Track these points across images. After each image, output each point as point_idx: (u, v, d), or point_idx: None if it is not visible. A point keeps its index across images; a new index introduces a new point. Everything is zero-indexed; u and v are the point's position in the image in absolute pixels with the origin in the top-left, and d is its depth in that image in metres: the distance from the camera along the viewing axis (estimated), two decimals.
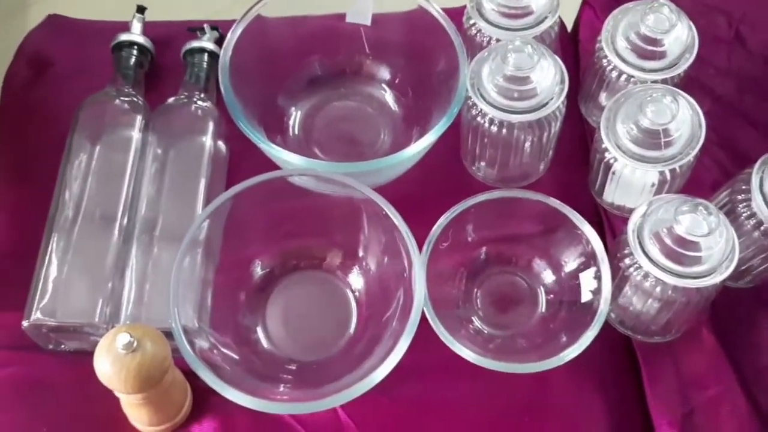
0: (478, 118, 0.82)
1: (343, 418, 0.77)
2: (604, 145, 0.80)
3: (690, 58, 0.83)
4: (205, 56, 0.92)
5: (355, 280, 0.84)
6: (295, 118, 0.92)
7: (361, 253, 0.83)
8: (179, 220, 0.81)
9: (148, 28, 0.94)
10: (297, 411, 0.75)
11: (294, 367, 0.80)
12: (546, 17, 0.85)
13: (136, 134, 0.87)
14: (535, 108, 0.80)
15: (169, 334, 0.71)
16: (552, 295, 0.83)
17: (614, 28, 0.84)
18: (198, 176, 0.85)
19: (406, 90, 0.92)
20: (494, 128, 0.81)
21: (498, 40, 0.85)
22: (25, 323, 0.77)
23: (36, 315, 0.76)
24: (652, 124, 0.77)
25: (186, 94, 0.90)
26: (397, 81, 0.93)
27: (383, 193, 0.78)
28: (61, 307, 0.77)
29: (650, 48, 0.82)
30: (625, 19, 0.84)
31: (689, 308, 0.76)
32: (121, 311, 0.78)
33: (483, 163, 0.87)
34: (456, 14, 0.88)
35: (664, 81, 0.83)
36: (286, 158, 0.80)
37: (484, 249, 0.84)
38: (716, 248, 0.72)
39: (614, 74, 0.85)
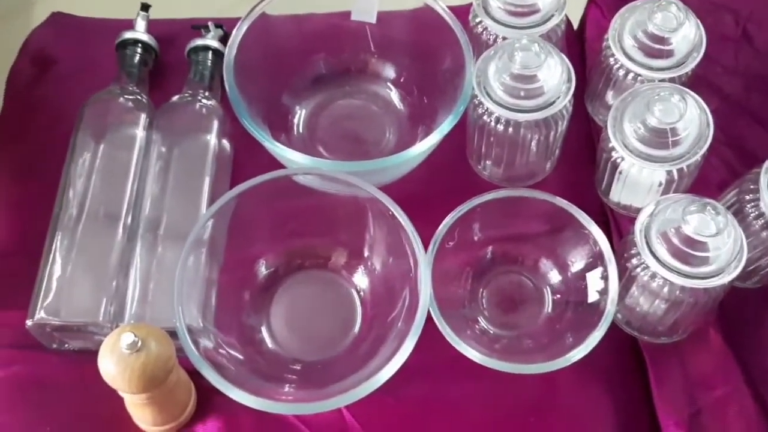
0: (485, 117, 0.81)
1: (348, 418, 0.77)
2: (611, 144, 0.80)
3: (697, 57, 0.83)
4: (210, 54, 0.92)
5: (360, 279, 0.83)
6: (300, 116, 0.92)
7: (366, 253, 0.83)
8: (183, 219, 0.81)
9: (152, 26, 0.94)
10: (301, 411, 0.75)
11: (298, 367, 0.79)
12: (552, 15, 0.85)
13: (140, 132, 0.87)
14: (541, 107, 0.79)
15: (173, 334, 0.71)
16: (558, 296, 0.83)
17: (621, 27, 0.84)
18: (202, 175, 0.84)
19: (412, 88, 0.92)
20: (500, 127, 0.81)
21: (504, 39, 0.85)
22: (29, 322, 0.76)
23: (40, 314, 0.76)
24: (660, 123, 0.77)
25: (190, 92, 0.89)
26: (402, 79, 0.93)
27: (388, 192, 0.77)
28: (65, 306, 0.77)
29: (657, 46, 0.82)
30: (632, 18, 0.83)
31: (697, 309, 0.76)
32: (126, 310, 0.78)
33: (489, 162, 0.87)
34: (462, 12, 0.88)
35: (671, 80, 0.82)
36: (291, 157, 0.80)
37: (490, 248, 0.84)
38: (724, 248, 0.71)
39: (621, 73, 0.84)
